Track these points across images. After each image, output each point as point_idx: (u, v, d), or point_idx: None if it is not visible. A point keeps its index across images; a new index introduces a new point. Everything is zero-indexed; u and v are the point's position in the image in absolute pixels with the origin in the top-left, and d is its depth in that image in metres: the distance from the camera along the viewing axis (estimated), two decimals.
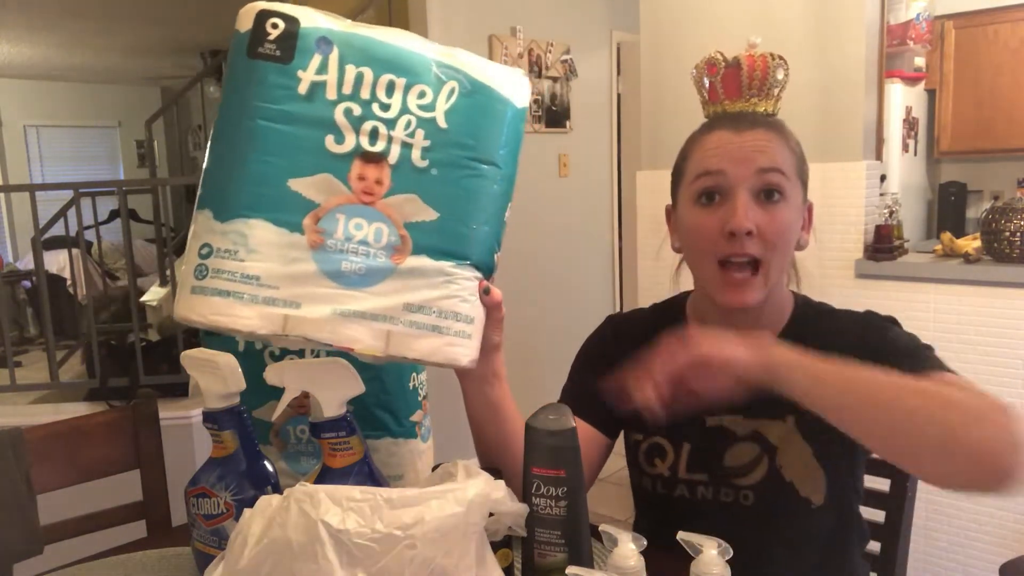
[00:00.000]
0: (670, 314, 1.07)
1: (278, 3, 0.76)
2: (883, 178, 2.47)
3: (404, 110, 0.77)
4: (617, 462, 1.09)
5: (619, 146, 4.05)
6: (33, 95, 7.57)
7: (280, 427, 1.02)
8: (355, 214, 0.75)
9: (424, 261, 0.77)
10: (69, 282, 4.09)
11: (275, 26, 0.73)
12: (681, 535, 0.72)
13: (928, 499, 2.23)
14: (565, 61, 3.56)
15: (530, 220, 3.44)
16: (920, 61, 3.85)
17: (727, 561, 0.70)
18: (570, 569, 0.68)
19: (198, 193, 0.77)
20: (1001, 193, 4.18)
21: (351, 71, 0.75)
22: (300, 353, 0.99)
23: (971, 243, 2.22)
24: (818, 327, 0.97)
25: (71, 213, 3.05)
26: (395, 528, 0.64)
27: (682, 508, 0.99)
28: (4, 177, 7.33)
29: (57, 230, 3.61)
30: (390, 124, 0.76)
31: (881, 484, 1.12)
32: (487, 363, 0.90)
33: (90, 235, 3.60)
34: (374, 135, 0.76)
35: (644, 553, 0.72)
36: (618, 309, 4.17)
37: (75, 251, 3.63)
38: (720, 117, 0.96)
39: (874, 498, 1.12)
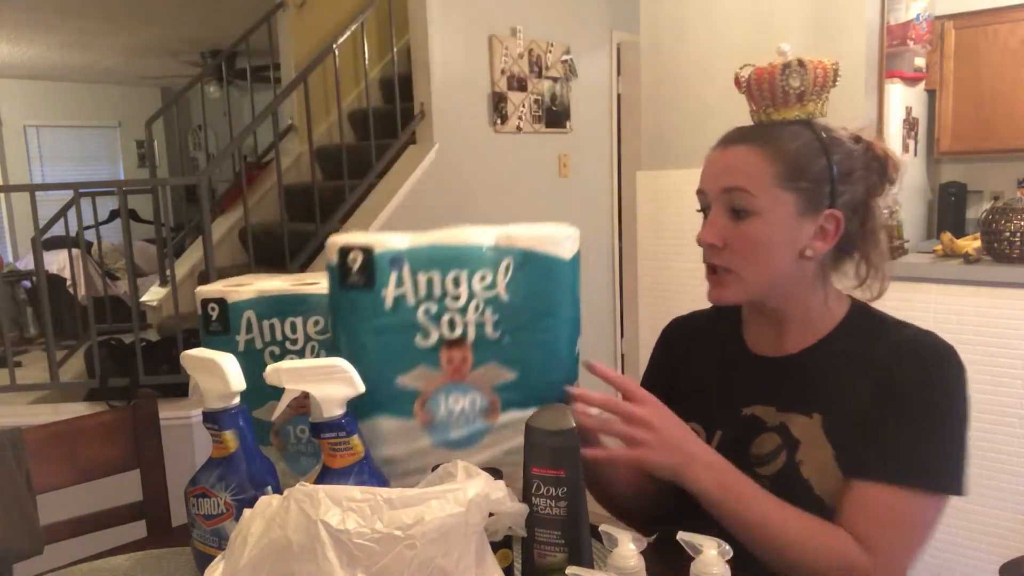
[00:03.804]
0: (728, 312, 1.10)
1: (352, 234, 0.87)
2: None
3: (471, 295, 0.89)
4: None
5: (619, 146, 4.04)
6: (33, 95, 7.57)
7: (280, 427, 1.02)
8: (451, 391, 0.89)
9: (513, 415, 0.89)
10: (69, 282, 4.09)
11: (355, 259, 0.87)
12: (681, 535, 0.72)
13: None
14: (565, 61, 3.56)
15: (530, 220, 3.43)
16: (920, 61, 3.85)
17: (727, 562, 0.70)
18: (570, 569, 0.68)
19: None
20: (1001, 193, 4.18)
21: (423, 277, 0.88)
22: (300, 353, 0.99)
23: (971, 243, 2.22)
24: (864, 332, 1.00)
25: (71, 213, 3.05)
26: (395, 528, 0.64)
27: None
28: (4, 177, 7.34)
29: (57, 230, 3.61)
30: (462, 311, 0.89)
31: None
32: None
33: (90, 235, 3.60)
34: (452, 324, 0.89)
35: (644, 553, 0.72)
36: (618, 309, 4.17)
37: (75, 251, 3.63)
38: (729, 132, 1.00)
39: None
